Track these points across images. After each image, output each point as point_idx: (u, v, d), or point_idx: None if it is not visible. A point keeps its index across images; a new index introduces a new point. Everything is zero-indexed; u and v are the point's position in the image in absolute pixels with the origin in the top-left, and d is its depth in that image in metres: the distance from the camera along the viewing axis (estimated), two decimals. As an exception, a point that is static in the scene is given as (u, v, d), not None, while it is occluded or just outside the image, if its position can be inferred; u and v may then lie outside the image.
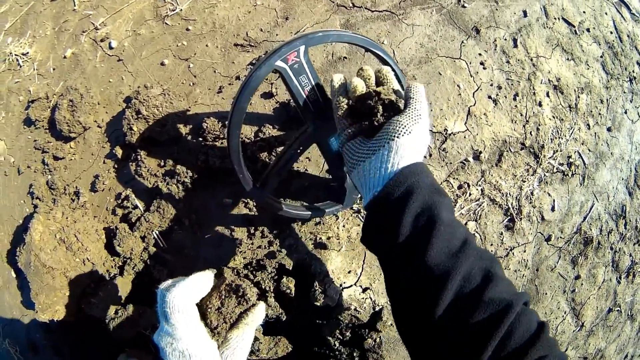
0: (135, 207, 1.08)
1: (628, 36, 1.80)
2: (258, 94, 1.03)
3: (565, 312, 1.47)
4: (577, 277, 1.47)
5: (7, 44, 1.44)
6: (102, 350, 1.25)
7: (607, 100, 1.58)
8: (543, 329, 0.53)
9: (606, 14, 1.75)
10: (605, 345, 1.70)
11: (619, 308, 1.67)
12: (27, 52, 1.35)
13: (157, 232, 1.06)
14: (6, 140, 1.36)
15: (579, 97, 1.46)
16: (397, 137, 0.61)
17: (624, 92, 1.69)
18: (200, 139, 1.03)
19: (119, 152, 1.11)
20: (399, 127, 0.62)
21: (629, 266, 1.64)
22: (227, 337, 0.60)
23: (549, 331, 0.55)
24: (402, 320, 0.61)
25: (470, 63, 1.17)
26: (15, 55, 1.38)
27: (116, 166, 1.11)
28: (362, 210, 1.05)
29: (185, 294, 0.55)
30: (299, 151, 0.88)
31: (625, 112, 1.67)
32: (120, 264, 1.12)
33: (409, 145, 0.61)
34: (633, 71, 1.75)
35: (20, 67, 1.36)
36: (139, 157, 1.07)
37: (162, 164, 1.05)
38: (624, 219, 1.60)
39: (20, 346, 1.44)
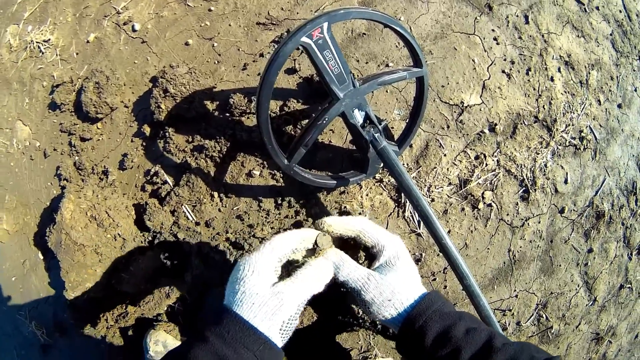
0: (165, 182, 1.15)
1: (637, 15, 1.86)
2: (282, 70, 1.10)
3: (578, 286, 1.55)
4: (590, 251, 1.54)
5: (28, 32, 1.51)
6: (131, 326, 1.32)
7: (617, 77, 1.65)
8: None
9: (615, -8, 1.81)
10: (616, 323, 1.77)
11: (630, 285, 1.74)
12: (49, 39, 1.43)
13: (186, 205, 1.13)
14: (31, 125, 1.43)
15: (589, 73, 1.53)
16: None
17: (634, 70, 1.75)
18: (227, 114, 1.10)
19: (147, 130, 1.18)
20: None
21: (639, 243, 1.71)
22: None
23: None
24: None
25: (484, 39, 1.24)
26: (37, 42, 1.45)
27: (144, 144, 1.19)
28: (384, 181, 1.12)
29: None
30: (324, 122, 0.95)
31: (636, 90, 1.74)
32: (150, 238, 1.19)
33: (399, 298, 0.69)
34: (642, 49, 1.82)
35: (42, 53, 1.43)
36: (167, 134, 1.14)
37: (190, 139, 1.13)
38: (634, 195, 1.66)
39: (46, 328, 1.51)
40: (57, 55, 1.39)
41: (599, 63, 1.58)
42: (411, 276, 0.72)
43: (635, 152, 1.69)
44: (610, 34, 1.69)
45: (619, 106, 1.64)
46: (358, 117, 0.99)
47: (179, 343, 1.19)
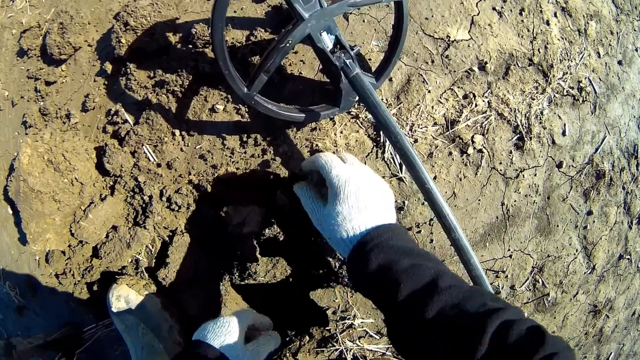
0: (125, 121, 1.00)
1: (638, -26, 1.69)
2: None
3: (577, 250, 1.37)
4: (589, 213, 1.36)
5: (1, -18, 1.38)
6: (97, 280, 1.18)
7: (617, 33, 1.47)
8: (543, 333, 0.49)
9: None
10: (614, 296, 1.59)
11: (629, 256, 1.56)
12: (20, -14, 1.30)
13: (147, 145, 0.99)
14: (0, 75, 1.30)
15: (588, 23, 1.35)
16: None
17: (634, 30, 1.57)
18: (190, 46, 0.95)
19: (108, 67, 1.04)
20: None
21: None
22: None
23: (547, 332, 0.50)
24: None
25: (473, -29, 1.08)
26: (8, -9, 1.32)
27: (106, 83, 1.05)
28: (360, 117, 0.96)
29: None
30: (287, 45, 0.79)
31: (637, 50, 1.56)
32: (111, 183, 1.05)
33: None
34: (643, 10, 1.64)
35: (13, 1, 1.31)
36: (128, 70, 1.00)
37: (152, 75, 0.98)
38: (636, 159, 1.48)
39: (20, 288, 1.38)
40: (26, 1, 1.25)
41: (597, 15, 1.40)
42: (356, 209, 0.69)
43: (636, 114, 1.51)
44: (610, -11, 1.52)
45: (619, 63, 1.46)
46: (327, 41, 0.83)
47: (141, 298, 1.04)
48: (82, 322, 1.32)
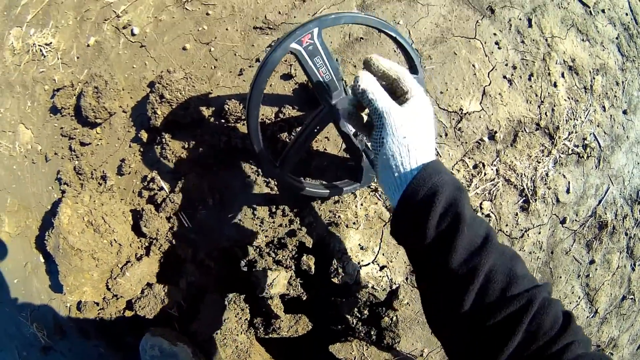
0: (161, 188, 1.13)
1: (645, 18, 1.80)
2: (277, 75, 1.07)
3: (579, 297, 1.50)
4: (592, 262, 1.49)
5: (30, 35, 1.50)
6: (128, 330, 1.31)
7: (622, 82, 1.59)
8: (570, 318, 0.56)
9: (622, -5, 1.74)
10: (618, 334, 1.71)
11: (632, 296, 1.68)
12: (51, 42, 1.41)
13: (182, 212, 1.11)
14: (33, 129, 1.42)
15: (594, 78, 1.47)
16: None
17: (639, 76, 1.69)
18: (223, 120, 1.07)
19: (144, 135, 1.16)
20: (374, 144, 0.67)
21: None
22: None
23: (575, 319, 0.57)
24: (431, 312, 0.64)
25: (485, 43, 1.20)
26: (39, 45, 1.43)
27: (142, 149, 1.17)
28: (379, 190, 1.09)
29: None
30: (315, 130, 0.92)
31: (642, 95, 1.67)
32: (146, 244, 1.18)
33: (414, 146, 0.63)
34: (649, 54, 1.75)
35: (44, 57, 1.42)
36: (163, 140, 1.12)
37: (186, 146, 1.11)
38: (639, 204, 1.60)
39: (47, 330, 1.51)
40: (58, 58, 1.37)
41: (604, 68, 1.52)
42: (424, 135, 0.66)
43: (640, 160, 1.63)
44: (616, 38, 1.63)
45: (624, 112, 1.58)
46: (350, 125, 0.95)
47: (174, 347, 1.18)
48: None
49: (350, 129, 0.96)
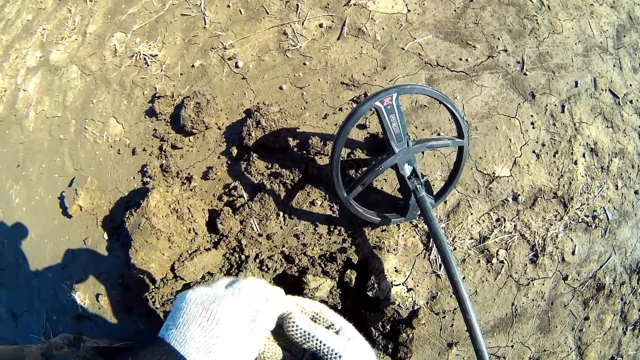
0: (241, 196, 1.53)
1: (669, 109, 2.20)
2: (356, 125, 1.49)
3: (570, 349, 1.87)
4: (586, 318, 1.86)
5: (136, 43, 1.93)
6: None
7: (638, 166, 1.99)
8: None
9: (652, 87, 2.15)
10: (604, 392, 2.07)
11: (621, 358, 2.04)
12: (156, 55, 1.84)
13: (255, 218, 1.51)
14: (124, 124, 1.84)
15: (612, 160, 1.87)
16: None
17: (657, 160, 2.08)
18: (304, 152, 1.48)
19: (234, 151, 1.57)
20: None
21: (636, 320, 2.01)
22: None
23: None
24: None
25: (522, 122, 1.61)
26: (144, 54, 1.86)
27: (229, 162, 1.57)
28: (418, 226, 1.49)
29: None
30: (380, 169, 1.32)
31: (655, 178, 2.07)
32: (216, 239, 1.57)
33: None
34: (669, 143, 2.15)
35: (148, 65, 1.85)
36: (250, 157, 1.53)
37: (269, 166, 1.51)
38: (637, 274, 1.98)
39: (89, 300, 1.85)
40: (162, 70, 1.79)
41: (622, 152, 1.93)
42: None
43: (645, 236, 2.02)
44: (639, 126, 2.04)
45: (636, 192, 1.97)
46: (407, 170, 1.35)
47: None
48: (144, 342, 1.78)
49: (407, 173, 1.36)
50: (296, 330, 0.58)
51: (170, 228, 1.55)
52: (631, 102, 2.03)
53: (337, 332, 0.62)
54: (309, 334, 0.58)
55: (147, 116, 1.77)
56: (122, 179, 1.81)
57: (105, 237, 1.84)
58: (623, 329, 2.00)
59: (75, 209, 1.89)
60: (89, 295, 1.87)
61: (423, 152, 1.51)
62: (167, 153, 1.67)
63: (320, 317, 0.64)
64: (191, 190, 1.62)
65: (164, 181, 1.68)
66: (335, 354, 0.56)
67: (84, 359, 1.69)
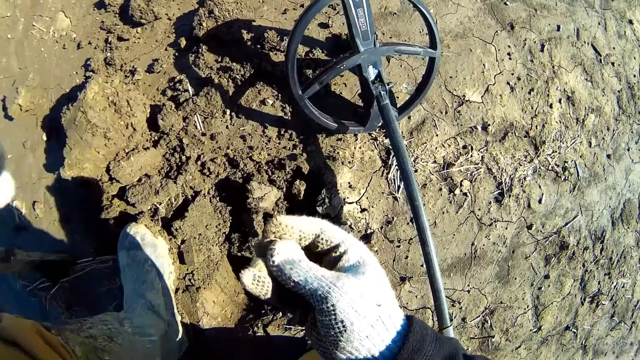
0: (186, 90, 1.38)
1: (650, 85, 2.15)
2: (315, 22, 1.35)
3: (527, 306, 1.77)
4: (547, 277, 1.77)
5: None
6: (110, 221, 1.51)
7: (613, 130, 1.92)
8: None
9: (635, 58, 2.09)
10: (553, 363, 1.98)
11: (575, 330, 1.96)
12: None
13: (199, 115, 1.36)
14: (72, 18, 1.66)
15: (587, 115, 1.79)
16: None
17: (632, 132, 2.02)
18: (259, 46, 1.34)
19: (182, 42, 1.41)
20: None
21: (595, 293, 1.93)
22: None
23: None
24: None
25: (498, 50, 1.50)
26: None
27: (176, 54, 1.42)
28: (378, 140, 1.36)
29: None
30: (341, 67, 1.19)
31: (628, 150, 2.00)
32: (156, 138, 1.41)
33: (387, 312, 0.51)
34: (646, 117, 2.09)
35: (101, -46, 1.68)
36: (200, 50, 1.37)
37: (219, 59, 1.36)
38: (601, 243, 1.91)
39: (27, 209, 1.69)
40: (116, -41, 1.63)
41: (599, 110, 1.85)
42: (388, 288, 0.55)
43: (612, 204, 1.95)
44: (619, 91, 1.97)
45: (608, 156, 1.90)
46: (371, 73, 1.23)
47: (155, 239, 1.39)
48: (78, 255, 1.63)
49: (371, 76, 1.23)
50: (274, 270, 0.50)
51: (107, 123, 1.38)
52: (613, 64, 1.96)
53: (341, 255, 0.55)
54: (284, 274, 0.50)
55: (95, 8, 1.61)
56: (64, 75, 1.63)
57: (44, 137, 1.66)
58: (581, 298, 1.92)
59: (15, 108, 1.70)
60: (26, 204, 1.69)
61: (389, 60, 1.38)
62: (112, 45, 1.51)
63: (322, 239, 0.55)
64: (134, 83, 1.46)
65: (106, 73, 1.51)
66: (319, 296, 0.48)
67: (20, 275, 1.58)
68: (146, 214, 1.44)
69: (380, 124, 1.30)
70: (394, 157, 1.33)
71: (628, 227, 2.00)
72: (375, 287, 0.51)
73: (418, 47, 1.26)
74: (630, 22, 2.12)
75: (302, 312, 0.53)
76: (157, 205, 1.44)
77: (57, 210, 1.62)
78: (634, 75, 2.06)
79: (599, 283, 1.93)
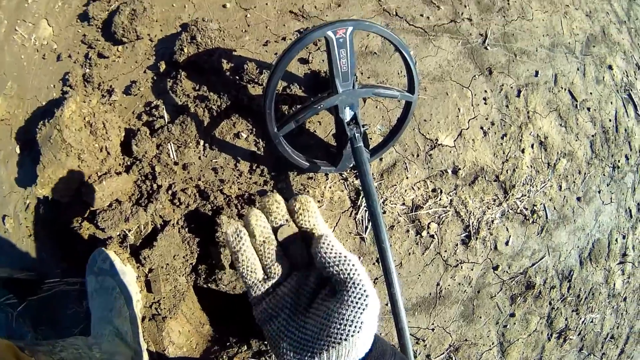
0: (162, 117, 1.38)
1: (625, 130, 2.21)
2: (295, 57, 1.36)
3: (493, 343, 1.81)
4: (512, 315, 1.81)
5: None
6: (79, 243, 1.50)
7: (585, 173, 1.97)
8: None
9: (611, 103, 2.15)
10: (521, 400, 2.02)
11: (542, 364, 2.00)
12: (99, -43, 1.66)
13: (173, 144, 1.36)
14: (55, 27, 1.65)
15: (559, 159, 1.84)
16: (345, 339, 0.50)
17: (604, 175, 2.07)
18: (237, 77, 1.34)
19: (162, 66, 1.41)
20: (345, 325, 0.51)
21: (562, 328, 1.98)
22: None
23: None
24: None
25: (474, 95, 1.54)
26: (86, -45, 1.68)
27: (154, 78, 1.42)
28: (348, 180, 1.38)
29: None
30: (318, 107, 1.20)
31: (599, 192, 2.05)
32: (128, 164, 1.41)
33: (362, 342, 0.52)
34: (618, 161, 2.14)
35: (88, -33, 1.66)
36: (179, 75, 1.38)
37: (197, 87, 1.37)
38: (569, 282, 1.95)
39: (-4, 222, 1.66)
40: (102, -26, 1.62)
41: (571, 154, 1.90)
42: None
43: (581, 245, 1.99)
44: (593, 135, 2.02)
45: (578, 199, 1.95)
46: (347, 114, 1.24)
47: (124, 267, 1.38)
48: (46, 274, 1.61)
49: (346, 117, 1.25)
50: (331, 251, 0.53)
51: (82, 144, 1.38)
52: (588, 109, 2.01)
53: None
54: (344, 257, 0.53)
55: (79, 20, 1.60)
56: (42, 87, 1.62)
57: (17, 150, 1.64)
58: (548, 334, 1.96)
59: (-10, 118, 1.68)
60: None
61: (365, 100, 1.40)
62: (92, 61, 1.50)
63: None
64: (110, 104, 1.45)
65: (84, 91, 1.50)
66: (364, 291, 0.51)
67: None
68: (115, 240, 1.44)
69: (352, 165, 1.32)
70: (364, 199, 1.35)
71: (597, 266, 2.05)
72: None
73: (396, 90, 1.28)
74: (610, 67, 2.18)
75: (289, 294, 0.58)
76: (127, 232, 1.43)
77: (27, 228, 1.60)
78: (610, 120, 2.12)
79: (566, 319, 1.97)
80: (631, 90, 2.29)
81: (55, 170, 1.39)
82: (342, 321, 0.50)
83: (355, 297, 0.51)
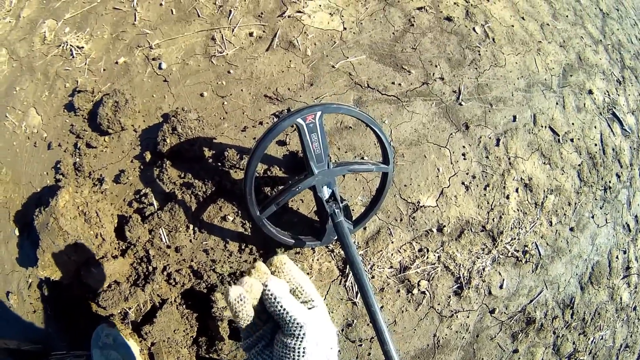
0: (151, 204, 1.45)
1: (613, 149, 2.24)
2: (274, 140, 1.43)
3: (497, 383, 1.84)
4: (515, 351, 1.84)
5: (65, 32, 1.84)
6: (83, 318, 1.58)
7: (575, 203, 2.01)
8: None
9: (595, 127, 2.19)
10: None
11: (556, 388, 2.03)
12: (83, 47, 1.75)
13: (164, 229, 1.43)
14: (43, 116, 1.74)
15: (547, 197, 1.88)
16: None
17: (595, 200, 2.11)
18: (219, 164, 1.41)
19: (147, 156, 1.49)
20: (291, 353, 0.63)
21: (570, 352, 2.01)
22: None
23: None
24: None
25: (453, 152, 1.59)
26: (71, 45, 1.77)
27: (142, 167, 1.49)
28: (334, 251, 1.44)
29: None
30: (297, 190, 1.27)
31: (592, 217, 2.09)
32: (123, 247, 1.48)
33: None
34: (609, 181, 2.18)
35: (73, 57, 1.76)
36: (164, 164, 1.45)
37: (183, 175, 1.44)
38: (571, 309, 1.98)
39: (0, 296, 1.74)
40: (86, 64, 1.71)
41: (559, 189, 1.94)
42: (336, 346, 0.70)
43: (579, 272, 2.03)
44: (579, 165, 2.06)
45: (571, 229, 1.98)
46: (325, 193, 1.31)
47: (127, 342, 1.46)
48: (52, 347, 1.69)
49: (325, 195, 1.31)
50: (269, 298, 0.64)
51: (78, 231, 1.46)
52: (572, 140, 2.05)
53: (310, 309, 0.68)
54: (276, 300, 0.63)
55: (66, 110, 1.68)
56: (36, 174, 1.70)
57: (17, 232, 1.73)
58: (556, 361, 1.99)
59: (-13, 202, 1.77)
60: (1, 294, 1.75)
61: (344, 175, 1.46)
62: (81, 151, 1.58)
63: (302, 290, 0.71)
64: (102, 192, 1.53)
65: (75, 180, 1.58)
66: (297, 323, 0.63)
67: (-5, 360, 1.59)
68: (117, 317, 1.51)
69: (335, 238, 1.37)
70: (350, 269, 1.40)
71: (599, 287, 2.08)
72: (331, 337, 0.68)
73: (371, 164, 1.35)
74: (590, 92, 2.22)
75: (268, 331, 0.68)
76: (127, 310, 1.51)
77: (30, 304, 1.68)
78: (595, 144, 2.16)
79: (573, 343, 2.00)
80: (614, 107, 2.33)
81: (55, 254, 1.47)
82: (287, 351, 0.63)
83: (291, 330, 0.63)
